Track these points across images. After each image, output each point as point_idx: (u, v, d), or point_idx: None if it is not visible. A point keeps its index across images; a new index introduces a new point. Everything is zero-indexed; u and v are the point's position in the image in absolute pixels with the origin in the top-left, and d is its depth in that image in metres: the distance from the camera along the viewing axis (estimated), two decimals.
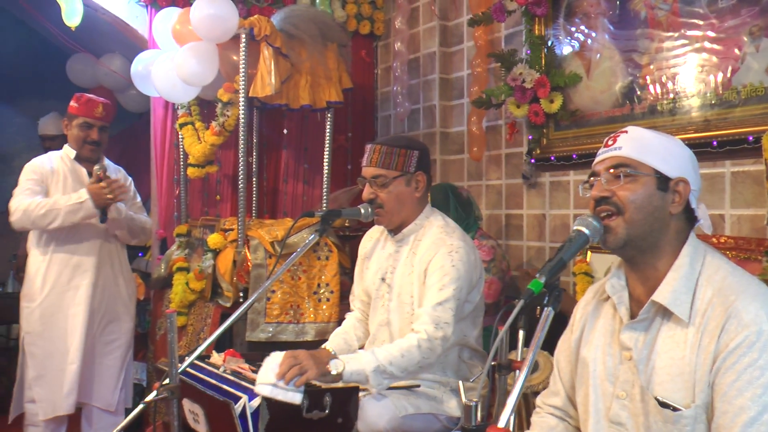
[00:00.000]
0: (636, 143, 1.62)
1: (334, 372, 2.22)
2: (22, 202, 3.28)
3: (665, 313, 1.56)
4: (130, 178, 3.73)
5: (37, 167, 3.45)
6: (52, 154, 3.56)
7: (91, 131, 3.51)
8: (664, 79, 2.97)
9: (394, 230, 2.62)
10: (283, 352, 2.24)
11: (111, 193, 3.29)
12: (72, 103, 3.56)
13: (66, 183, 3.46)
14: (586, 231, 1.60)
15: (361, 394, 2.35)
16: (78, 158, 3.55)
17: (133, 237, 3.64)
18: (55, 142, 5.26)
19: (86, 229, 3.46)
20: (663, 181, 1.59)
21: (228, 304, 3.43)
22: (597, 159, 1.68)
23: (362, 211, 2.56)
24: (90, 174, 3.46)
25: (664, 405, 1.52)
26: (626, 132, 1.66)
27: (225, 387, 2.23)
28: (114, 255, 3.59)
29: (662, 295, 1.56)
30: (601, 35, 3.25)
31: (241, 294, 3.41)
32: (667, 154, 1.61)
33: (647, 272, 1.62)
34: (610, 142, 1.66)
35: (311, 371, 2.16)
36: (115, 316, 3.57)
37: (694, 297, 1.54)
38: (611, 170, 1.62)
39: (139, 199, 3.74)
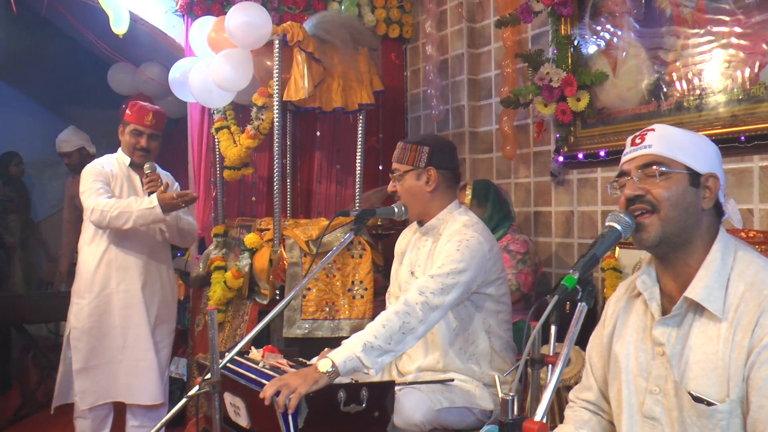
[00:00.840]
0: (665, 140, 1.62)
1: (324, 370, 2.19)
2: (99, 202, 3.38)
3: (697, 308, 1.57)
4: (177, 183, 3.81)
5: (99, 170, 3.55)
6: (109, 158, 3.66)
7: (141, 138, 3.59)
8: (690, 75, 3.00)
9: (420, 223, 2.72)
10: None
11: (181, 202, 3.41)
12: (126, 111, 3.66)
13: (123, 188, 3.58)
14: (618, 227, 1.61)
15: (397, 388, 2.42)
16: (131, 164, 3.64)
17: (181, 238, 3.69)
18: (71, 159, 5.51)
19: (136, 231, 3.52)
20: (695, 177, 1.60)
21: (265, 302, 3.54)
22: (625, 158, 1.68)
23: (396, 210, 2.64)
24: (141, 179, 3.59)
25: (698, 400, 1.52)
26: (653, 130, 1.65)
27: (265, 382, 2.28)
28: (161, 257, 3.66)
29: (695, 291, 1.56)
30: (627, 33, 3.29)
31: (278, 292, 3.52)
32: (696, 150, 1.61)
33: (679, 268, 1.62)
34: (637, 141, 1.66)
35: (301, 386, 2.11)
36: (163, 318, 3.64)
37: (727, 292, 1.54)
38: (643, 168, 1.62)
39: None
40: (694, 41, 2.97)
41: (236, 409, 2.39)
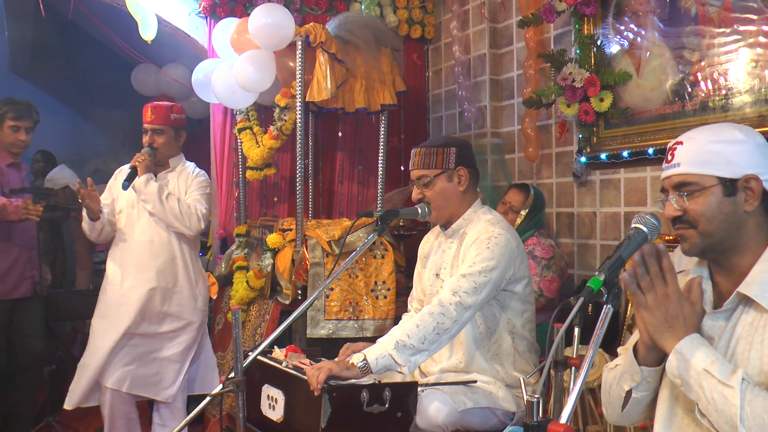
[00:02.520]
0: (693, 155, 1.61)
1: (356, 363, 2.29)
2: None
3: (748, 301, 1.57)
4: (200, 177, 3.74)
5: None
6: None
7: (146, 136, 3.67)
8: (715, 75, 2.97)
9: (445, 225, 2.72)
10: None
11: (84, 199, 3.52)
12: None
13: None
14: (645, 229, 1.61)
15: (420, 389, 2.43)
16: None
17: (176, 219, 3.57)
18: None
19: (144, 229, 3.62)
20: (730, 186, 1.59)
21: (287, 302, 3.56)
22: (662, 175, 1.69)
23: (419, 210, 2.66)
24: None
25: None
26: (681, 143, 1.64)
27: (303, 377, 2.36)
28: (177, 255, 3.65)
29: (749, 287, 1.56)
30: (651, 33, 3.26)
31: (300, 292, 3.54)
32: (728, 155, 1.59)
33: (731, 268, 1.63)
34: (669, 157, 1.66)
35: (330, 367, 2.25)
36: (177, 314, 3.63)
37: None
38: (676, 189, 1.63)
39: (201, 192, 3.69)
40: (720, 40, 2.94)
41: (273, 401, 2.42)
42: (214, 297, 4.01)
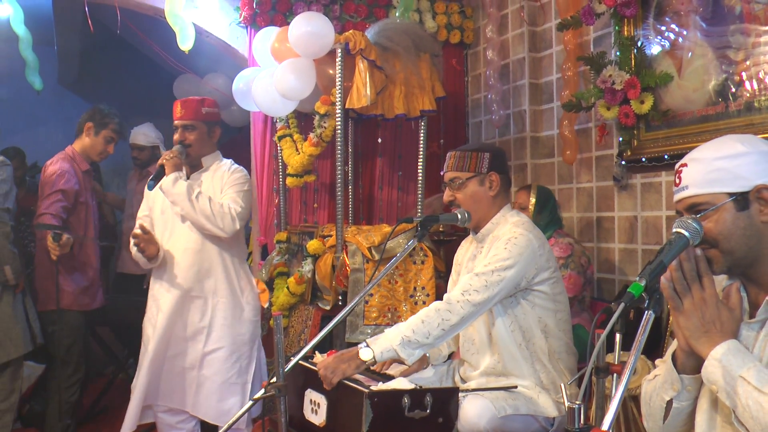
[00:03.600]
0: (699, 176, 1.62)
1: (365, 359, 2.44)
2: None
3: None
4: (237, 173, 3.54)
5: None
6: None
7: (176, 133, 3.50)
8: (761, 74, 2.91)
9: (475, 230, 2.76)
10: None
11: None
12: None
13: None
14: (686, 233, 1.59)
15: (461, 394, 2.45)
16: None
17: (207, 221, 3.35)
18: (142, 154, 5.52)
19: (177, 236, 3.46)
20: (742, 200, 1.59)
21: (328, 307, 3.60)
22: (674, 198, 1.70)
23: (459, 216, 2.69)
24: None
25: None
26: (686, 165, 1.65)
27: (350, 383, 2.40)
28: (215, 263, 3.46)
29: None
30: (693, 33, 3.21)
31: (340, 297, 3.57)
32: (734, 170, 1.59)
33: (761, 278, 1.63)
34: (677, 180, 1.67)
35: (343, 367, 2.43)
36: (229, 328, 3.43)
37: None
38: (688, 211, 1.64)
39: (237, 189, 3.48)
40: (766, 39, 2.88)
41: (315, 406, 2.45)
42: (265, 305, 3.81)
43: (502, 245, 2.55)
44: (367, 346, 2.47)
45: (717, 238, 1.60)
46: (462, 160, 2.71)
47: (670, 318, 2.89)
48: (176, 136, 3.49)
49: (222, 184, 3.49)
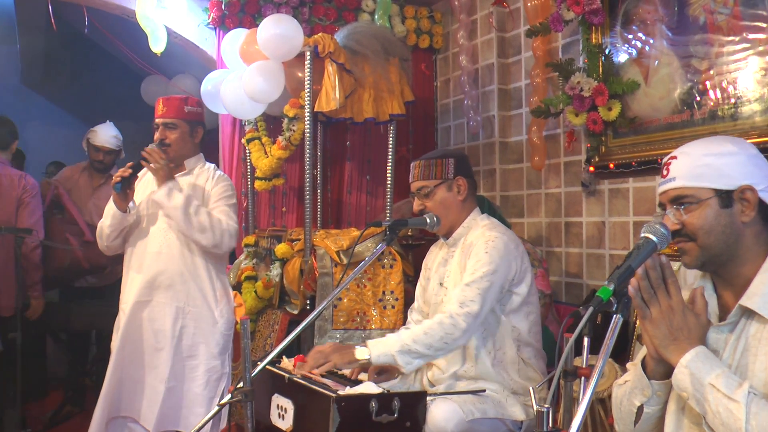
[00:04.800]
0: (687, 169, 1.64)
1: (360, 357, 2.43)
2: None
3: (751, 313, 1.58)
4: (224, 183, 3.34)
5: None
6: None
7: (157, 131, 3.30)
8: (724, 84, 2.96)
9: (446, 235, 2.78)
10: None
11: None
12: None
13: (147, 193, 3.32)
14: (654, 238, 1.61)
15: (429, 398, 2.44)
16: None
17: (203, 237, 3.16)
18: (105, 159, 4.98)
19: (151, 238, 3.25)
20: (726, 198, 1.61)
21: (295, 312, 3.57)
22: (659, 190, 1.71)
23: (428, 220, 2.69)
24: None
25: None
26: (675, 158, 1.67)
27: (315, 387, 2.34)
28: (187, 270, 3.24)
29: (751, 300, 1.57)
30: (659, 42, 3.26)
31: (308, 302, 3.54)
32: (722, 167, 1.61)
33: (733, 279, 1.64)
34: (664, 172, 1.68)
35: (334, 358, 2.43)
36: (199, 338, 3.24)
37: None
38: (673, 203, 1.65)
39: (228, 203, 3.29)
40: (729, 49, 2.94)
41: (282, 411, 2.42)
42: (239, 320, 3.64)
43: (482, 250, 2.57)
44: (365, 346, 2.46)
45: (697, 232, 1.62)
46: (427, 168, 2.73)
47: (638, 322, 2.92)
48: (157, 135, 3.28)
49: (207, 192, 3.29)
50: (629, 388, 1.73)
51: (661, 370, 1.64)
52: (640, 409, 1.69)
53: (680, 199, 1.64)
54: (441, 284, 2.75)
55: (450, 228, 2.75)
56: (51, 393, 5.12)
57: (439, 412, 2.40)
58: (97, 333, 5.13)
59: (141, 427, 3.24)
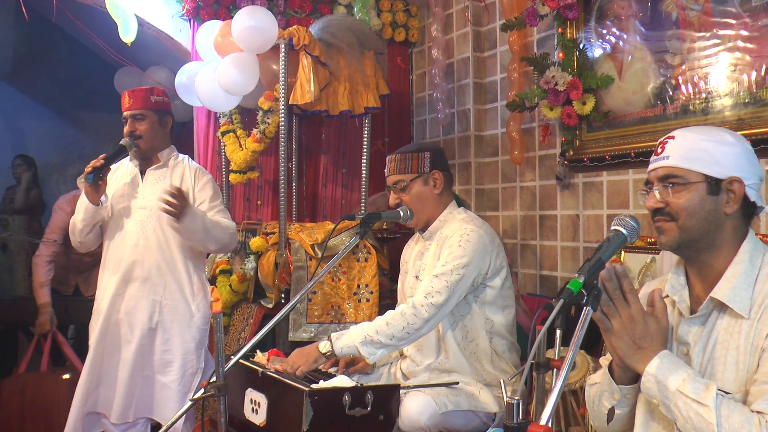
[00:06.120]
0: (683, 150, 1.64)
1: (323, 350, 2.48)
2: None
3: (723, 306, 1.60)
4: (205, 177, 3.32)
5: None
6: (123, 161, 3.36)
7: (126, 125, 3.25)
8: (696, 79, 2.99)
9: (423, 229, 2.79)
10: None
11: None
12: None
13: (123, 187, 3.28)
14: (624, 231, 1.63)
15: (402, 391, 2.44)
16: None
17: (214, 244, 3.18)
18: None
19: (134, 234, 3.21)
20: (714, 185, 1.62)
21: (270, 305, 3.56)
22: (649, 167, 1.72)
23: (401, 213, 2.69)
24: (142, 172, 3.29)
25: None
26: (673, 138, 1.68)
27: (288, 381, 2.36)
28: (168, 265, 3.22)
29: (721, 292, 1.59)
30: (633, 37, 3.28)
31: (283, 295, 3.53)
32: (717, 155, 1.62)
33: (705, 269, 1.66)
34: (659, 150, 1.69)
35: (301, 366, 2.46)
36: (175, 332, 3.21)
37: (753, 292, 1.58)
38: (662, 181, 1.66)
39: (219, 200, 3.31)
40: (700, 44, 2.96)
41: (256, 405, 2.41)
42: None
43: (456, 243, 2.58)
44: (327, 340, 2.48)
45: (680, 213, 1.62)
46: (403, 162, 2.74)
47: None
48: (126, 128, 3.24)
49: (187, 186, 3.22)
50: (599, 390, 1.76)
51: (629, 376, 1.67)
52: (611, 410, 1.72)
53: (669, 179, 1.64)
54: (416, 277, 2.76)
55: (426, 222, 2.76)
56: None
57: (412, 404, 2.41)
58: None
59: (116, 427, 3.22)
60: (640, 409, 1.69)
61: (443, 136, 4.52)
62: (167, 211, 2.96)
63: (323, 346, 2.47)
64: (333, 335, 2.50)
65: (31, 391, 3.95)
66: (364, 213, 2.89)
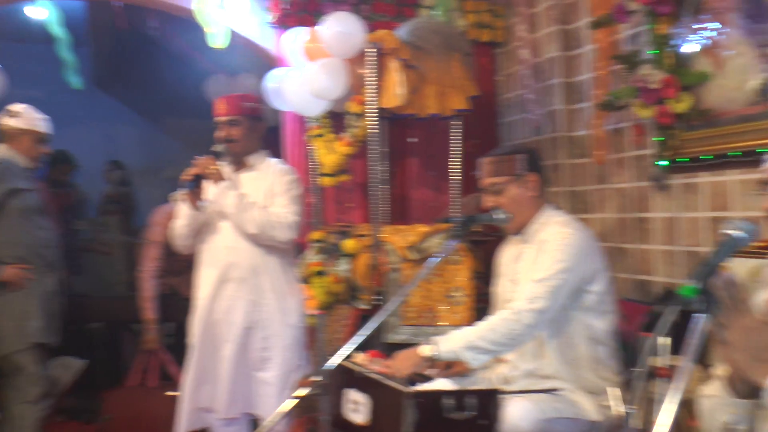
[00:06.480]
0: None
1: (426, 354, 2.47)
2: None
3: None
4: (288, 176, 3.51)
5: None
6: None
7: (220, 131, 3.42)
8: None
9: (519, 232, 2.76)
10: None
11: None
12: None
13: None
14: (737, 234, 1.60)
15: (503, 396, 2.44)
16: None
17: (260, 232, 3.32)
18: None
19: (229, 235, 3.39)
20: None
21: (364, 307, 3.61)
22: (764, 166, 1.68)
23: (498, 216, 2.69)
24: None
25: None
26: None
27: (390, 383, 2.39)
28: (262, 265, 3.39)
29: None
30: (733, 31, 3.17)
31: (378, 297, 3.58)
32: None
33: None
34: None
35: (404, 370, 2.45)
36: (272, 331, 3.37)
37: None
38: None
39: (290, 196, 3.44)
40: None
41: (356, 405, 2.45)
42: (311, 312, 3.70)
43: (555, 247, 2.56)
44: (431, 343, 2.49)
45: None
46: (498, 164, 2.73)
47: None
48: (220, 133, 3.40)
49: (270, 186, 3.40)
50: (715, 403, 1.70)
51: (748, 390, 1.60)
52: (728, 426, 1.66)
53: None
54: (512, 281, 2.74)
55: (522, 224, 2.73)
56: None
57: (514, 410, 2.40)
58: None
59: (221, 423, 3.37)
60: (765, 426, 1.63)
61: (532, 137, 4.47)
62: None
63: (426, 350, 2.48)
64: (435, 339, 2.51)
65: (140, 406, 4.25)
66: (461, 216, 2.90)
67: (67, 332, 4.44)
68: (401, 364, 2.49)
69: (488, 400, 2.36)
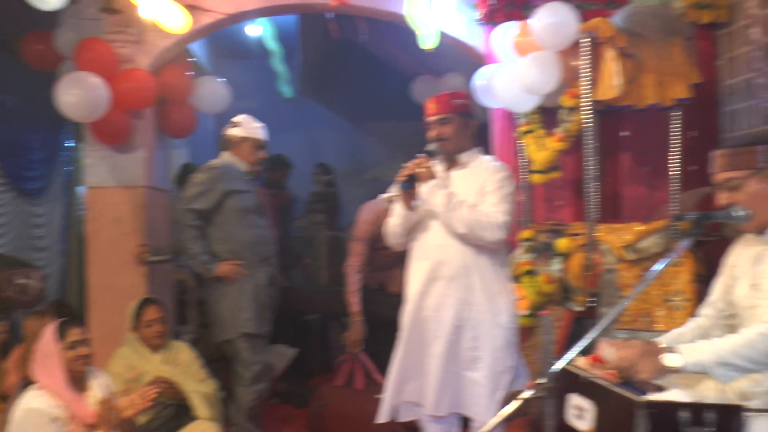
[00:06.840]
0: None
1: (671, 364, 2.26)
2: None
3: None
4: (499, 174, 3.40)
5: None
6: None
7: (432, 130, 3.43)
8: None
9: (759, 231, 2.48)
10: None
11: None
12: None
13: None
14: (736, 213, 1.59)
15: (746, 414, 2.22)
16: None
17: (469, 232, 3.27)
18: None
19: (440, 233, 3.36)
20: None
21: (579, 308, 3.46)
22: None
23: (736, 213, 2.45)
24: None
25: None
26: None
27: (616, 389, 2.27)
28: (473, 263, 3.33)
29: None
30: None
31: (592, 298, 3.42)
32: None
33: None
34: None
35: (642, 368, 2.26)
36: (482, 330, 3.30)
37: None
38: None
39: (500, 195, 3.34)
40: None
41: (580, 411, 2.35)
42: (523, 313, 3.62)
43: None
44: (676, 352, 2.29)
45: None
46: (735, 157, 2.46)
47: None
48: (432, 133, 3.41)
49: (482, 183, 3.36)
50: None
51: None
52: None
53: None
54: (754, 286, 2.47)
55: (763, 223, 2.46)
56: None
57: (760, 429, 2.17)
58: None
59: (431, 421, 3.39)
60: None
61: (762, 126, 4.05)
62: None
63: (671, 359, 2.27)
64: (683, 347, 2.30)
65: (348, 401, 4.45)
66: (697, 213, 2.67)
67: (282, 322, 4.73)
68: (644, 366, 2.28)
69: (730, 417, 2.14)
